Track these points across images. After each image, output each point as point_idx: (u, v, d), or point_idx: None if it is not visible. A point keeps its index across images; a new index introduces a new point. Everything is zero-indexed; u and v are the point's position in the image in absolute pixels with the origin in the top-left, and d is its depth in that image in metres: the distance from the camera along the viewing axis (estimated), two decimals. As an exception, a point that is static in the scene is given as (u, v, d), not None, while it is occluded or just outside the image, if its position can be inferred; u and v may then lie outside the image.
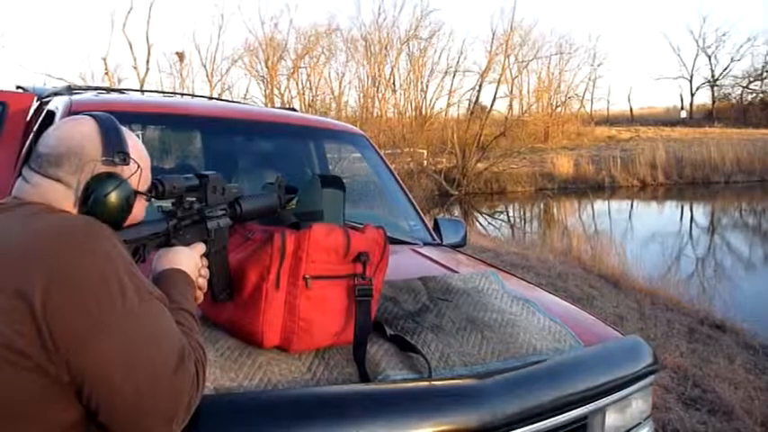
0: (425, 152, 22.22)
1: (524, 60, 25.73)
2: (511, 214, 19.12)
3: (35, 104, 2.98)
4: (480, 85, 24.36)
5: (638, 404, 1.68)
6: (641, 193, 21.61)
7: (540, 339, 1.64)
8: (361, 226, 1.49)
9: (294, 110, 3.41)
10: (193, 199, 1.26)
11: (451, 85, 25.14)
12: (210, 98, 3.86)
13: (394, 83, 25.69)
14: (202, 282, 1.25)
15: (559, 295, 2.32)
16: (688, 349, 4.40)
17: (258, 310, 1.32)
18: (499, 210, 19.45)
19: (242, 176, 2.59)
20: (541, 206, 19.66)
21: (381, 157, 2.95)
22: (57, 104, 2.42)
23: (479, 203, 20.18)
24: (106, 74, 22.45)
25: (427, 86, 25.25)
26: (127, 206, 1.08)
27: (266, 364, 1.32)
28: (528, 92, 28.05)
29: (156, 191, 1.18)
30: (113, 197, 1.05)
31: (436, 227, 2.75)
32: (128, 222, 1.12)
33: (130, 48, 25.05)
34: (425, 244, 2.56)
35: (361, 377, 1.33)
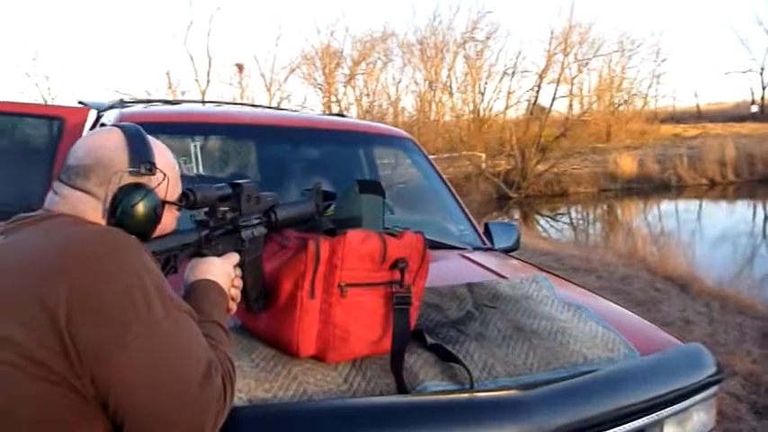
0: (483, 155, 21.98)
1: (584, 59, 25.14)
2: (573, 216, 18.71)
3: (92, 118, 3.06)
4: (539, 86, 23.94)
5: (700, 416, 1.58)
6: (710, 192, 20.77)
7: (591, 348, 1.56)
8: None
9: (343, 115, 3.40)
10: (226, 208, 1.25)
11: (509, 86, 24.80)
12: (257, 106, 3.89)
13: (451, 86, 25.55)
14: (235, 292, 1.23)
15: (616, 301, 2.22)
16: (761, 355, 4.17)
17: (293, 319, 1.30)
18: (560, 212, 19.05)
19: (288, 184, 2.59)
20: (604, 207, 19.18)
21: (430, 161, 2.90)
22: (108, 117, 2.48)
23: (540, 206, 19.82)
24: (169, 87, 23.14)
25: (485, 88, 24.99)
26: (154, 216, 1.07)
27: (302, 374, 1.29)
28: (588, 91, 27.43)
29: (186, 200, 1.17)
30: (140, 208, 1.04)
31: (487, 231, 2.68)
32: (157, 233, 1.11)
33: (192, 61, 25.78)
34: (475, 249, 2.49)
35: (398, 388, 1.29)
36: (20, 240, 1.00)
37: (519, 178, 21.27)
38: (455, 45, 25.23)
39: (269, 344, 1.36)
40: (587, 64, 25.33)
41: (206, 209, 1.23)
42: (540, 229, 15.86)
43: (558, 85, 23.71)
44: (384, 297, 1.36)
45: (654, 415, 1.44)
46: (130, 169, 1.05)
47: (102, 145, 1.07)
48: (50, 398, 0.89)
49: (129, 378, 0.90)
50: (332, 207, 1.51)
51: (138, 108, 2.56)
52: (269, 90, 25.88)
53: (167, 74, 23.74)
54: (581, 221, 17.67)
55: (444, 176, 2.88)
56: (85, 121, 2.99)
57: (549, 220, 17.62)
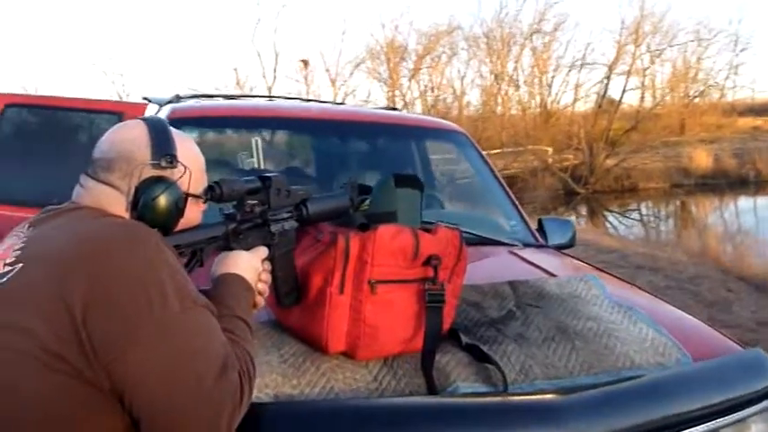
0: (550, 149, 21.51)
1: (657, 49, 24.23)
2: (642, 213, 18.11)
3: (151, 113, 3.13)
4: (608, 78, 23.24)
5: (759, 428, 1.47)
6: (794, 188, 19.72)
7: (639, 352, 1.48)
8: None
9: (395, 109, 3.37)
10: (255, 202, 1.23)
11: (578, 78, 24.16)
12: (311, 101, 3.90)
13: (517, 79, 25.12)
14: (263, 287, 1.22)
15: (683, 301, 2.11)
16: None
17: (322, 315, 1.28)
18: (630, 208, 18.47)
19: (341, 178, 2.58)
20: (676, 204, 18.47)
21: (482, 155, 2.84)
22: (162, 112, 2.52)
23: (608, 201, 19.25)
24: (237, 84, 23.62)
25: (552, 81, 24.44)
26: (176, 209, 1.06)
27: (330, 371, 1.26)
28: (661, 82, 26.45)
29: (212, 194, 1.16)
30: (161, 201, 1.04)
31: (540, 227, 2.60)
32: (182, 226, 1.11)
33: (259, 57, 26.27)
34: (526, 245, 2.42)
35: (428, 389, 1.25)
36: (45, 232, 1.01)
37: (587, 173, 20.72)
38: (522, 37, 24.74)
39: (299, 339, 1.35)
40: (660, 54, 24.39)
41: (234, 202, 1.22)
42: (608, 225, 15.43)
43: (628, 77, 22.95)
44: (416, 294, 1.33)
45: (706, 425, 1.35)
46: (152, 162, 1.05)
47: (125, 138, 1.07)
48: (68, 390, 0.90)
49: (143, 373, 0.90)
50: (367, 201, 1.48)
51: (190, 103, 2.60)
52: (334, 85, 26.08)
53: (235, 70, 24.25)
54: (651, 218, 17.09)
55: (497, 171, 2.81)
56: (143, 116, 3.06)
57: (617, 216, 17.11)
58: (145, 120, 1.10)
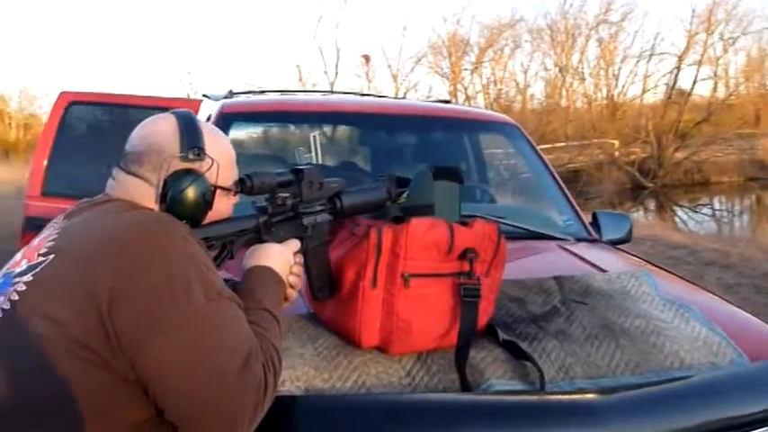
0: (616, 142, 20.93)
1: (730, 37, 23.20)
2: (715, 207, 17.42)
3: (205, 110, 3.19)
4: (678, 68, 22.41)
5: (821, 435, 1.38)
6: None
7: (690, 351, 1.41)
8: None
9: (448, 102, 3.33)
10: (287, 195, 1.23)
11: (646, 69, 23.39)
12: (366, 95, 3.90)
13: (582, 71, 24.53)
14: (294, 280, 1.21)
15: (754, 299, 2.00)
16: None
17: (355, 309, 1.26)
18: (701, 203, 17.78)
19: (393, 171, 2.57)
20: (752, 198, 17.68)
21: (534, 148, 2.77)
22: (214, 108, 2.56)
23: (678, 196, 18.60)
24: (300, 80, 23.92)
25: (619, 72, 23.75)
26: (204, 202, 1.07)
27: (363, 365, 1.25)
28: (735, 72, 25.31)
29: (243, 186, 1.16)
30: (189, 193, 1.05)
31: (595, 221, 2.52)
32: (212, 218, 1.11)
33: (321, 54, 26.56)
34: (579, 240, 2.34)
35: (461, 385, 1.22)
36: (76, 224, 1.03)
37: (655, 167, 20.07)
38: (587, 28, 24.16)
39: (334, 333, 1.34)
40: (734, 43, 23.36)
41: (267, 195, 1.22)
42: (677, 220, 14.90)
43: (699, 67, 22.09)
44: (451, 289, 1.30)
45: (762, 429, 1.27)
46: (180, 155, 1.06)
47: (155, 131, 1.09)
48: (96, 380, 0.92)
49: (165, 364, 0.90)
50: (405, 194, 1.46)
51: (241, 99, 2.64)
52: (395, 80, 26.08)
53: (298, 67, 24.57)
54: (723, 213, 16.42)
55: (549, 164, 2.73)
56: (198, 113, 3.12)
57: (687, 211, 16.51)
58: (174, 113, 1.11)
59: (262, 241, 1.20)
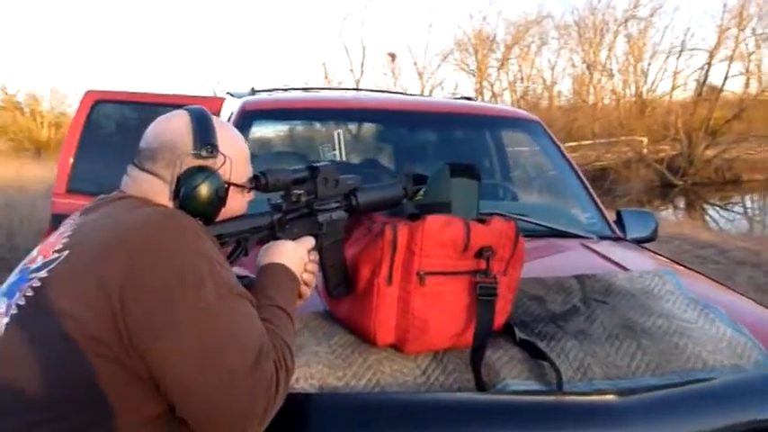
0: (645, 140, 20.62)
1: (763, 33, 22.72)
2: (747, 205, 17.09)
3: (228, 107, 3.21)
4: (709, 64, 22.01)
5: None
6: None
7: (714, 353, 1.37)
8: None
9: (470, 98, 3.30)
10: (301, 192, 1.23)
11: (676, 65, 23.02)
12: (387, 92, 3.89)
13: (610, 68, 24.22)
14: (308, 277, 1.21)
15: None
16: None
17: (370, 307, 1.25)
18: (732, 201, 17.45)
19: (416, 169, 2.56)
20: (786, 197, 17.32)
21: (557, 145, 2.73)
22: (236, 105, 2.57)
23: (708, 194, 18.27)
24: (325, 78, 23.98)
25: (648, 69, 23.41)
26: (217, 199, 1.07)
27: (377, 363, 1.24)
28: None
29: (257, 183, 1.16)
30: (202, 190, 1.05)
31: (619, 220, 2.48)
32: (226, 215, 1.11)
33: (347, 52, 26.62)
34: (602, 238, 2.31)
35: (476, 385, 1.20)
36: (91, 220, 1.04)
37: (685, 164, 19.74)
38: (615, 24, 23.85)
39: (349, 330, 1.33)
40: (767, 38, 22.86)
41: (281, 192, 1.22)
42: (707, 219, 14.65)
43: (731, 63, 21.66)
44: (467, 287, 1.28)
45: (787, 435, 1.24)
46: (193, 152, 1.06)
47: (168, 129, 1.09)
48: (110, 375, 0.92)
49: (176, 361, 0.90)
50: (422, 191, 1.45)
51: (262, 96, 2.64)
52: (421, 78, 26.03)
53: (323, 65, 24.66)
54: (756, 212, 16.11)
55: (573, 161, 2.70)
56: (220, 110, 3.14)
57: (717, 209, 16.22)
58: (188, 110, 1.11)
59: (276, 238, 1.19)
